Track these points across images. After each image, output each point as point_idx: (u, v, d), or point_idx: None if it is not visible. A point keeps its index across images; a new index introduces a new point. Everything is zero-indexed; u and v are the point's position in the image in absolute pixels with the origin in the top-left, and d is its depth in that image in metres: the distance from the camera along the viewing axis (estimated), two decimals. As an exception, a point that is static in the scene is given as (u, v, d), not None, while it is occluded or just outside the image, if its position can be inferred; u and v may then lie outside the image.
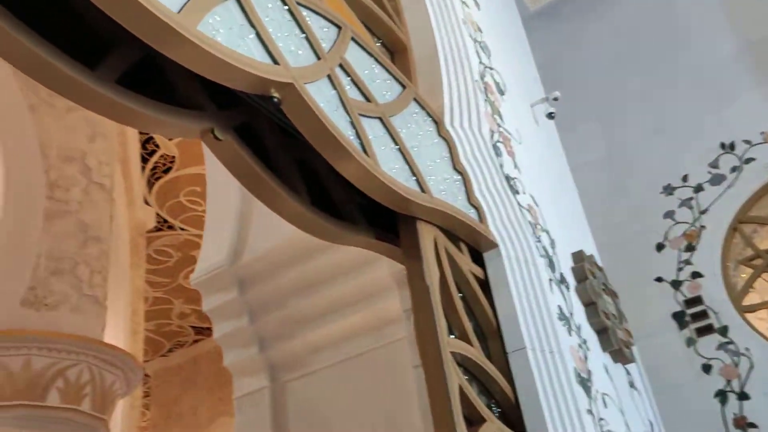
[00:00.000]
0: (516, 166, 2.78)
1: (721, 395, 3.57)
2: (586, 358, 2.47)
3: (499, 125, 2.83)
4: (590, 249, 3.41)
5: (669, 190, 4.18)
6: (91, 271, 5.25)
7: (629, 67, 4.61)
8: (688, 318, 3.82)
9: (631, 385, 2.97)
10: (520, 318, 2.22)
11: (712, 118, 4.19)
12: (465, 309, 2.16)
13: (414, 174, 2.10)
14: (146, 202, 8.09)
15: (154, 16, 1.36)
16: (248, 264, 3.48)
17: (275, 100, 1.65)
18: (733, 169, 4.02)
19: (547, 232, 2.76)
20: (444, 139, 2.40)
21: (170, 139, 7.44)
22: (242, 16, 1.61)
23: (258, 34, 1.63)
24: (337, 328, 3.31)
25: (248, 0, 1.64)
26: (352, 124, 1.89)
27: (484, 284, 2.31)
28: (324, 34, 1.95)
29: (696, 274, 3.90)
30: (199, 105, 1.74)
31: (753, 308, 3.77)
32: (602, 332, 2.77)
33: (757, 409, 3.49)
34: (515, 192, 2.61)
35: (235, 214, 3.59)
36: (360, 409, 3.09)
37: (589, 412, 2.24)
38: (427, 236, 2.12)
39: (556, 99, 3.43)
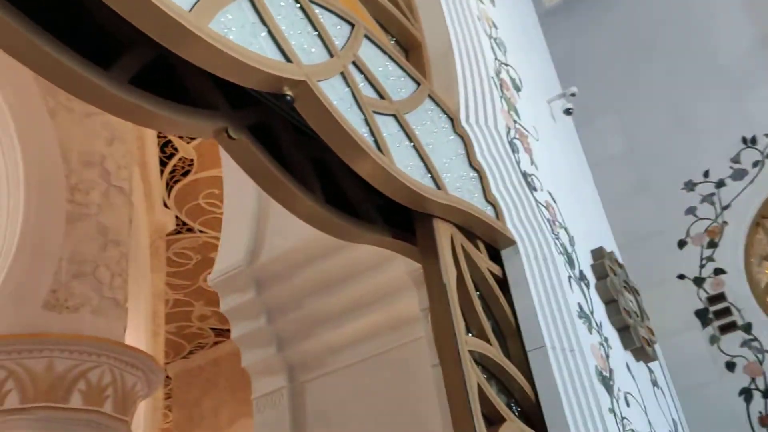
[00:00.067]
0: (533, 163, 2.75)
1: (746, 393, 3.51)
2: (607, 356, 2.44)
3: (515, 121, 2.80)
4: (610, 246, 3.37)
5: (690, 186, 4.11)
6: (112, 274, 5.29)
7: (647, 62, 4.54)
8: (711, 315, 3.76)
9: (654, 383, 2.93)
10: (540, 316, 2.19)
11: (733, 113, 4.12)
12: (483, 307, 2.14)
13: (429, 171, 2.09)
14: (165, 205, 8.15)
15: (166, 15, 1.36)
16: (265, 264, 3.48)
17: (288, 98, 1.64)
18: (755, 164, 3.94)
19: (566, 229, 2.72)
20: (460, 136, 2.38)
21: (188, 143, 7.49)
22: (254, 14, 1.61)
23: (270, 32, 1.63)
24: (354, 327, 3.30)
25: (260, -2, 1.64)
26: (366, 121, 1.88)
27: (502, 282, 2.28)
28: (337, 31, 1.94)
29: (719, 271, 3.84)
30: (212, 104, 1.74)
31: (778, 305, 3.69)
32: (624, 330, 2.73)
33: (784, 408, 3.42)
34: (533, 189, 2.58)
35: (252, 215, 3.60)
36: (378, 408, 3.07)
37: (611, 411, 2.21)
38: (444, 234, 2.10)
39: (573, 95, 3.39)
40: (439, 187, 2.09)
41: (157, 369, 5.58)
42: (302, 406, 3.34)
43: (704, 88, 4.29)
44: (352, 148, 1.80)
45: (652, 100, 4.43)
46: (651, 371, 2.96)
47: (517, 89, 3.05)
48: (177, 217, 8.45)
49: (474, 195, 2.29)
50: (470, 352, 1.92)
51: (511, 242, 2.32)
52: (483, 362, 1.99)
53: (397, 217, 2.18)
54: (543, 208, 2.58)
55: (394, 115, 2.05)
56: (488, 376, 2.00)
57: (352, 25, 2.03)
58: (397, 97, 2.12)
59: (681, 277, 3.93)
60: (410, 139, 2.07)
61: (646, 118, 4.42)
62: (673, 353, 3.47)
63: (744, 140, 4.04)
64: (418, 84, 2.28)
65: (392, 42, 2.53)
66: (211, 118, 1.71)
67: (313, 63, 1.74)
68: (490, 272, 2.24)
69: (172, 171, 7.83)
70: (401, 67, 2.23)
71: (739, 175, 3.98)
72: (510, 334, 2.20)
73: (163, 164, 7.69)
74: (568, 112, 3.40)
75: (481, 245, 2.30)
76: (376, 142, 1.88)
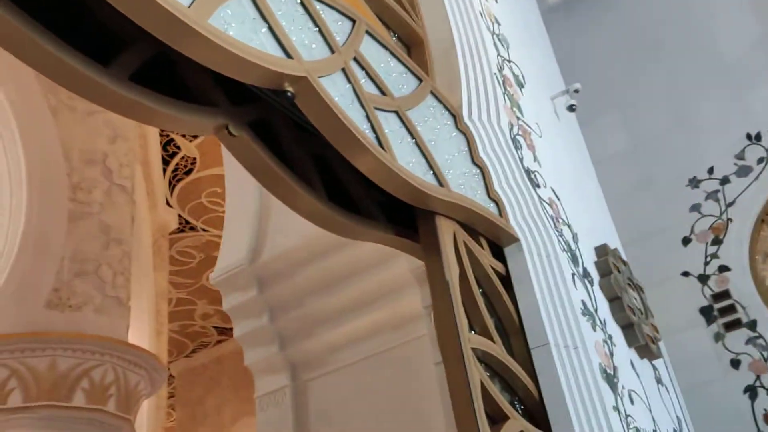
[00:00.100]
0: (536, 160, 2.73)
1: (751, 391, 3.49)
2: (611, 353, 2.42)
3: (518, 118, 2.78)
4: (614, 243, 3.35)
5: (694, 182, 4.09)
6: (114, 273, 5.29)
7: (650, 58, 4.52)
8: (715, 313, 3.74)
9: (659, 381, 2.91)
10: (543, 313, 2.18)
11: (737, 109, 4.10)
12: (486, 305, 2.13)
13: (431, 168, 2.07)
14: (168, 204, 8.15)
15: (165, 11, 1.34)
16: (267, 263, 3.47)
17: (289, 94, 1.63)
18: (760, 161, 3.92)
19: (569, 226, 2.71)
20: (462, 132, 2.36)
21: (191, 141, 7.48)
22: (254, 10, 1.59)
23: (270, 28, 1.61)
24: (357, 326, 3.29)
25: (260, -7, 1.63)
26: (368, 117, 1.86)
27: (505, 279, 2.27)
28: (338, 27, 1.93)
29: (723, 268, 3.82)
30: (213, 101, 1.73)
31: (783, 302, 3.67)
32: (628, 327, 2.71)
33: (789, 405, 3.40)
34: (536, 185, 2.57)
35: (253, 213, 3.59)
36: (381, 407, 3.06)
37: (615, 408, 2.19)
38: (447, 231, 2.09)
39: (576, 91, 3.37)
40: (441, 184, 2.08)
41: (160, 367, 5.58)
42: (305, 405, 3.33)
43: (707, 85, 4.27)
44: (354, 145, 1.79)
45: (654, 97, 4.42)
46: (655, 369, 2.94)
47: (520, 86, 3.03)
48: (180, 215, 8.45)
49: (477, 192, 2.27)
50: (473, 349, 1.91)
51: (514, 239, 2.31)
52: (486, 360, 1.98)
53: (400, 215, 2.17)
54: (546, 205, 2.56)
55: (395, 112, 2.04)
56: (491, 373, 1.99)
57: (354, 21, 2.02)
58: (399, 94, 2.11)
59: (685, 274, 3.91)
60: (412, 136, 2.06)
61: (649, 116, 4.40)
62: (677, 351, 3.45)
63: (748, 137, 4.02)
64: (420, 80, 2.26)
65: (394, 38, 2.51)
66: (212, 114, 1.70)
67: (314, 59, 1.73)
68: (493, 269, 2.22)
69: (175, 169, 7.83)
70: (403, 64, 2.22)
71: (743, 171, 3.96)
72: (513, 332, 2.19)
73: (165, 163, 7.69)
74: (571, 108, 3.38)
75: (484, 242, 2.29)
76: (377, 138, 1.87)
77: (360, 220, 2.07)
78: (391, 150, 1.90)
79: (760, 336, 3.58)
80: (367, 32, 2.06)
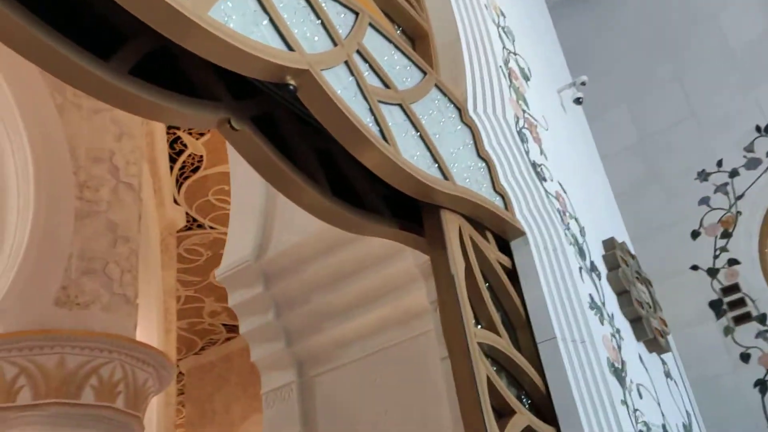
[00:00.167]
0: (542, 153, 2.71)
1: (761, 385, 3.46)
2: (619, 347, 2.40)
3: (524, 111, 2.76)
4: (622, 237, 3.33)
5: (703, 175, 4.06)
6: (122, 271, 5.30)
7: (658, 51, 4.49)
8: (725, 306, 3.71)
9: (667, 375, 2.89)
10: (550, 307, 2.16)
11: (746, 101, 4.06)
12: (492, 299, 2.11)
13: (436, 161, 2.06)
14: (175, 202, 8.16)
15: (164, 3, 1.33)
16: (273, 259, 3.47)
17: (291, 87, 1.62)
18: (770, 153, 3.89)
19: (576, 220, 2.69)
20: (467, 125, 2.34)
21: (197, 139, 7.49)
22: (255, 2, 1.58)
23: (272, 20, 1.60)
24: (363, 321, 3.28)
25: (262, -14, 1.61)
26: (371, 111, 1.85)
27: (512, 273, 2.25)
28: (341, 20, 1.91)
29: (733, 261, 3.79)
30: (215, 95, 1.71)
31: (793, 295, 3.63)
32: (636, 321, 2.69)
33: (800, 399, 3.37)
34: (542, 179, 2.55)
35: (259, 210, 3.58)
36: (388, 402, 3.05)
37: (624, 402, 2.17)
38: (452, 225, 2.07)
39: (583, 84, 3.35)
40: (446, 178, 2.06)
41: (168, 365, 5.59)
42: (311, 401, 3.32)
43: (716, 78, 4.23)
44: (357, 138, 1.77)
45: (662, 91, 4.38)
46: (664, 363, 2.92)
47: (526, 78, 3.01)
48: (187, 213, 8.46)
49: (482, 185, 2.26)
50: (479, 344, 1.89)
51: (521, 233, 2.29)
52: (492, 354, 1.96)
53: (405, 209, 2.16)
54: (553, 199, 2.54)
55: (399, 105, 2.02)
56: (498, 368, 1.97)
57: (357, 14, 2.00)
58: (402, 87, 2.09)
59: (694, 267, 3.88)
60: (416, 129, 2.04)
61: (657, 108, 4.37)
62: (686, 344, 3.43)
63: (757, 129, 3.98)
64: (425, 73, 2.24)
65: (398, 31, 2.50)
66: (214, 109, 1.69)
67: (316, 52, 1.71)
68: (499, 263, 2.21)
69: (182, 167, 7.85)
70: (407, 57, 2.20)
71: (753, 164, 3.93)
72: (520, 326, 2.17)
73: (172, 161, 7.71)
74: (578, 101, 3.35)
75: (490, 236, 2.27)
76: (381, 131, 1.85)
77: (365, 214, 2.05)
78: (395, 143, 1.88)
79: (771, 329, 3.55)
80: (371, 25, 2.05)
